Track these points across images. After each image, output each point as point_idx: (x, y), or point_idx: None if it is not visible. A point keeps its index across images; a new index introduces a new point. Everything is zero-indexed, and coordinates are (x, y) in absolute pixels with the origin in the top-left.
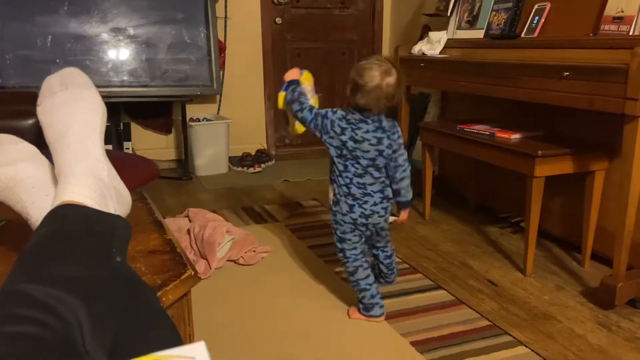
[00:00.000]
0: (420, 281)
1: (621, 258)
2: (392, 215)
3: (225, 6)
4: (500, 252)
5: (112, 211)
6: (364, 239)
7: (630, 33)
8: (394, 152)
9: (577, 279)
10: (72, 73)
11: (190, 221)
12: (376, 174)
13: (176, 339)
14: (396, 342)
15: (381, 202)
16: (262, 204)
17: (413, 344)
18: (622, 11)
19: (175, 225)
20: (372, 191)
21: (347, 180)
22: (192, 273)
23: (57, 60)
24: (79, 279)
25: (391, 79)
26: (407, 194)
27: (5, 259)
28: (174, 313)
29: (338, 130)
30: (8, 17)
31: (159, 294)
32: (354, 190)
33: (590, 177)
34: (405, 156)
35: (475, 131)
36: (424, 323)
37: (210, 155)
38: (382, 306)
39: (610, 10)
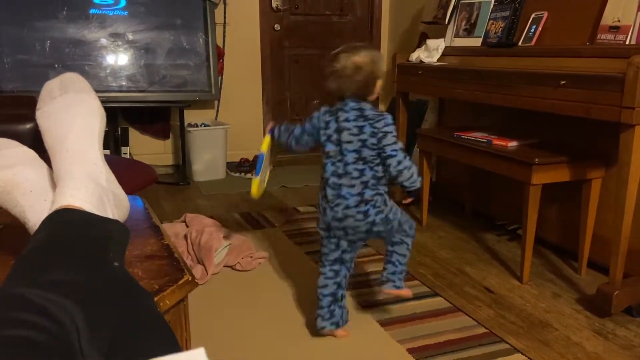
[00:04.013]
0: (417, 288)
1: (617, 266)
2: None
3: (224, 12)
4: (497, 259)
5: (110, 216)
6: (340, 250)
7: (627, 42)
8: (379, 140)
9: (574, 286)
10: (71, 78)
11: (187, 226)
12: (356, 174)
13: (173, 344)
14: (393, 349)
15: (357, 206)
16: (260, 210)
17: (410, 351)
18: (619, 20)
19: (173, 230)
20: (347, 193)
21: (324, 182)
22: (190, 278)
23: (56, 65)
24: (77, 283)
25: (357, 58)
26: (412, 185)
27: (3, 263)
28: (170, 318)
29: (323, 124)
30: (7, 21)
31: (156, 299)
32: (328, 192)
33: (586, 185)
34: (398, 146)
35: (472, 138)
36: (421, 330)
37: (208, 160)
38: (325, 319)
39: (607, 19)
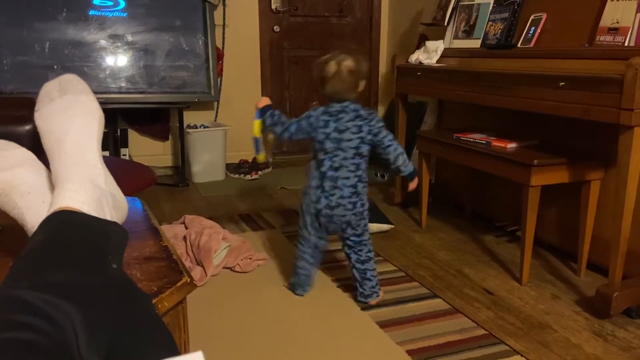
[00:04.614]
0: (416, 289)
1: (617, 267)
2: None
3: (224, 14)
4: (496, 260)
5: (108, 217)
6: (323, 241)
7: (626, 44)
8: (375, 135)
9: (573, 288)
10: (70, 80)
11: (186, 228)
12: (352, 167)
13: (171, 347)
14: (392, 351)
15: (350, 197)
16: (259, 211)
17: (409, 352)
18: (618, 22)
19: (172, 232)
20: (342, 185)
21: (320, 175)
22: (188, 280)
23: (55, 66)
24: (75, 285)
25: (348, 62)
26: (407, 168)
27: (1, 265)
28: (169, 320)
29: (322, 123)
30: (6, 22)
31: (154, 301)
32: (325, 183)
33: (585, 187)
34: (391, 136)
35: (471, 140)
36: (420, 332)
37: (207, 162)
38: (304, 290)
39: (606, 21)
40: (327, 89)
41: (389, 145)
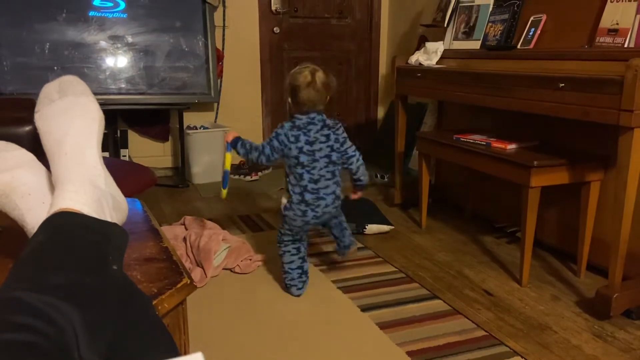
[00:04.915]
0: (416, 291)
1: (616, 268)
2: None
3: (224, 15)
4: (496, 261)
5: (108, 219)
6: (305, 238)
7: (625, 45)
8: (342, 144)
9: (573, 289)
10: (70, 81)
11: (186, 229)
12: (329, 176)
13: (172, 348)
14: (392, 352)
15: (333, 203)
16: (259, 212)
17: (409, 354)
18: (617, 23)
19: (172, 233)
20: (324, 194)
21: (302, 189)
22: (188, 281)
23: (55, 68)
24: (75, 286)
25: (320, 73)
26: (365, 179)
27: (1, 266)
28: (169, 321)
29: (292, 139)
30: (6, 24)
31: (154, 302)
32: (307, 196)
33: (585, 188)
34: (354, 147)
35: (471, 141)
36: (420, 333)
37: (207, 163)
38: (299, 289)
39: (606, 22)
40: (301, 97)
41: (352, 156)
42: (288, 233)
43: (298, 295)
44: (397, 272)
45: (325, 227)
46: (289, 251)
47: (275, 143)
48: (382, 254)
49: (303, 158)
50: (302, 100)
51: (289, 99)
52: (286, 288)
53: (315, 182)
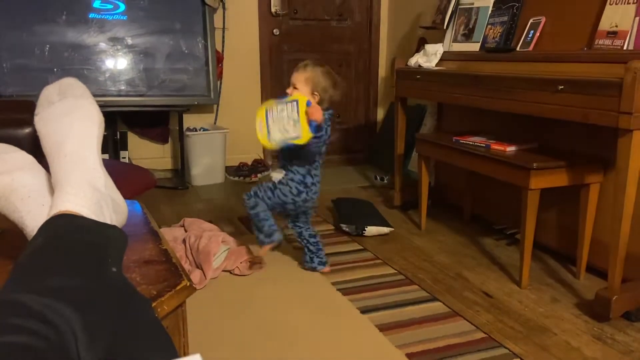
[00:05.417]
0: (415, 293)
1: (616, 270)
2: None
3: (224, 17)
4: (496, 263)
5: (108, 221)
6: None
7: (625, 47)
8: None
9: (572, 291)
10: (70, 83)
11: (186, 231)
12: (320, 162)
13: (171, 350)
14: (391, 354)
15: (317, 193)
16: None
17: (408, 356)
18: (617, 26)
19: (171, 235)
20: (317, 181)
21: (317, 171)
22: (188, 283)
23: (55, 69)
24: (74, 288)
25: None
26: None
27: (1, 269)
28: (168, 324)
29: (329, 129)
30: (6, 26)
31: (154, 304)
32: (307, 180)
33: (585, 190)
34: None
35: (471, 143)
36: (420, 335)
37: (207, 165)
38: (280, 232)
39: (605, 25)
40: (332, 96)
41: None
42: (266, 201)
43: (279, 240)
44: (396, 274)
45: (299, 236)
46: (263, 200)
47: (329, 130)
48: (382, 255)
49: (324, 149)
50: (333, 98)
51: (329, 93)
52: (267, 237)
53: (318, 168)
